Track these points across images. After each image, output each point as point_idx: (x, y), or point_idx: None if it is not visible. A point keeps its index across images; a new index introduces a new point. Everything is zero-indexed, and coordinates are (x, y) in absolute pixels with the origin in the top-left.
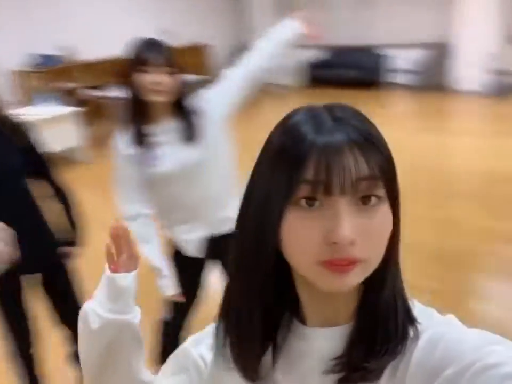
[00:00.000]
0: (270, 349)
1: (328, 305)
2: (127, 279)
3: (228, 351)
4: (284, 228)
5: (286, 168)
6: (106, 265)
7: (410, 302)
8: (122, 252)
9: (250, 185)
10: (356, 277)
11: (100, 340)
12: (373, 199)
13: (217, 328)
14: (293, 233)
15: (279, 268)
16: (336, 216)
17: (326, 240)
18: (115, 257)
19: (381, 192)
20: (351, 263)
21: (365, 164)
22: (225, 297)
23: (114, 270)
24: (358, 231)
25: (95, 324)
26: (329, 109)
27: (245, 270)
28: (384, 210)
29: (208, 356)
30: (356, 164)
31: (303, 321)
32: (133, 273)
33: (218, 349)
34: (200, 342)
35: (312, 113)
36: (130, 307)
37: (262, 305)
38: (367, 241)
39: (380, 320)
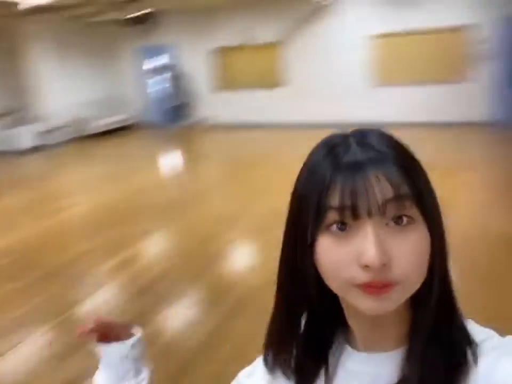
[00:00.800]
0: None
1: (375, 330)
2: (121, 350)
3: (278, 377)
4: (318, 253)
5: (314, 196)
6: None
7: (465, 322)
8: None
9: (286, 221)
10: (394, 299)
11: None
12: (405, 219)
13: (265, 358)
14: (327, 258)
15: (327, 293)
16: (365, 239)
17: (359, 263)
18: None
19: (412, 211)
20: (386, 285)
21: (390, 186)
22: (270, 325)
23: (105, 340)
24: (391, 252)
25: None
26: (354, 134)
27: (286, 298)
28: (419, 229)
29: None
30: (380, 187)
31: (353, 344)
32: (129, 342)
33: (271, 375)
34: (252, 373)
35: (336, 141)
36: (132, 375)
37: (306, 329)
38: (403, 262)
39: (433, 344)
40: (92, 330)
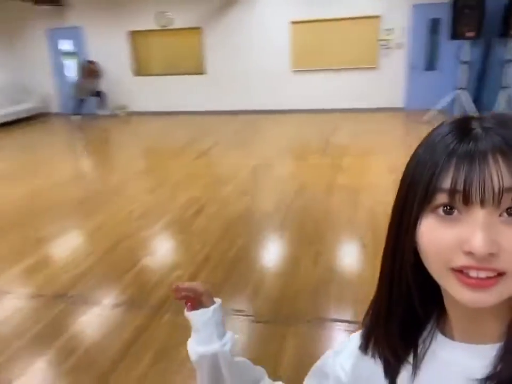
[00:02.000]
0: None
1: (473, 321)
2: (203, 315)
3: (372, 352)
4: (421, 233)
5: (424, 176)
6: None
7: None
8: (189, 296)
9: (394, 201)
10: (494, 292)
11: (201, 370)
12: None
13: (363, 336)
14: (429, 237)
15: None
16: (473, 228)
17: (462, 249)
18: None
19: None
20: (489, 278)
21: (509, 174)
22: (371, 305)
23: (192, 309)
24: (501, 243)
25: (192, 357)
26: (480, 118)
27: (387, 274)
28: None
29: (348, 363)
30: (499, 174)
31: (447, 333)
32: (211, 308)
33: (362, 350)
34: (339, 352)
35: (457, 124)
36: (216, 337)
37: (402, 313)
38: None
39: None
40: (182, 297)
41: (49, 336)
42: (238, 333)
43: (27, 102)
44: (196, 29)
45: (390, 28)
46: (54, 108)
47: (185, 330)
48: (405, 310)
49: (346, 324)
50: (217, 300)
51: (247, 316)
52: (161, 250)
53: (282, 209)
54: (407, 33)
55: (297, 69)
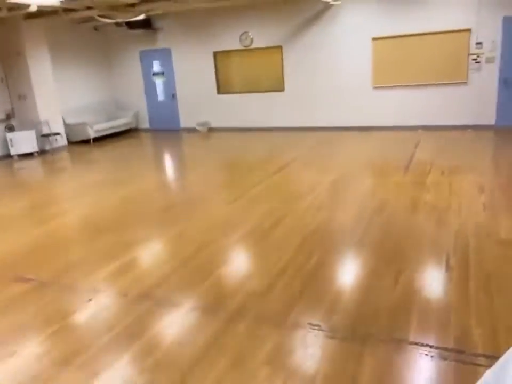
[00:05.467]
0: None
1: None
2: None
3: None
4: None
5: None
6: None
7: None
8: None
9: None
10: None
11: None
12: None
13: None
14: None
15: None
16: None
17: None
18: None
19: None
20: None
21: None
22: None
23: None
24: None
25: None
26: None
27: None
28: None
29: None
30: None
31: None
32: None
33: None
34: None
35: None
36: None
37: None
38: None
39: None
40: None
41: (133, 334)
42: (311, 347)
43: (121, 118)
44: (276, 48)
45: (480, 41)
46: (144, 123)
47: (260, 339)
48: None
49: (428, 348)
50: None
51: (322, 330)
52: (239, 260)
53: (361, 225)
54: (498, 47)
55: (378, 85)
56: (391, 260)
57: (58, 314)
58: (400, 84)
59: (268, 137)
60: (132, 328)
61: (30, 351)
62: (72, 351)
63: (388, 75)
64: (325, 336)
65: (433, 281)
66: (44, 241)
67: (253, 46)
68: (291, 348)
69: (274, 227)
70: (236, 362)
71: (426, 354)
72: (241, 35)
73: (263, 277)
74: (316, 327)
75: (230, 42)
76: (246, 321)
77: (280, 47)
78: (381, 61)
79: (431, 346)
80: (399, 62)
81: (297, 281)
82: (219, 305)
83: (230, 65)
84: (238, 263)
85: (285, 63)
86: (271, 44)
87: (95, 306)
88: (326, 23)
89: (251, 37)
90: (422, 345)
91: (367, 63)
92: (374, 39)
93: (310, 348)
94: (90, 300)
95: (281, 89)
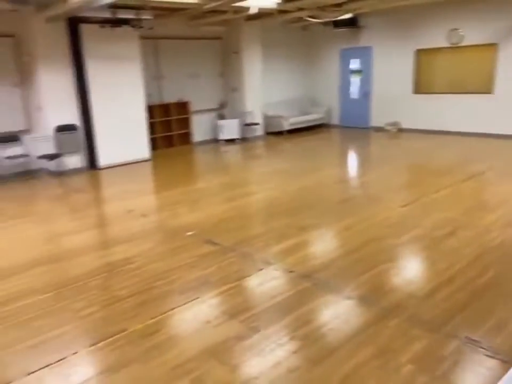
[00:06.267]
0: None
1: None
2: None
3: None
4: None
5: None
6: None
7: None
8: None
9: None
10: None
11: None
12: None
13: None
14: None
15: None
16: None
17: None
18: None
19: None
20: None
21: None
22: None
23: None
24: None
25: None
26: None
27: None
28: None
29: None
30: None
31: None
32: None
33: None
34: None
35: None
36: None
37: None
38: None
39: None
40: None
41: (291, 306)
42: (464, 360)
43: (314, 113)
44: (490, 46)
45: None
46: (335, 119)
47: (409, 339)
48: None
49: None
50: None
51: (481, 348)
52: (403, 260)
53: None
54: None
55: None
56: None
57: (235, 276)
58: None
59: (464, 142)
60: (291, 301)
61: (208, 300)
62: (239, 308)
63: None
64: (483, 354)
65: None
66: (231, 214)
67: (463, 43)
68: (441, 354)
69: (448, 236)
70: (379, 354)
71: None
72: (449, 32)
73: (426, 282)
74: (475, 343)
75: (435, 39)
76: (399, 319)
77: (495, 45)
78: None
79: None
80: None
81: (463, 293)
82: (375, 299)
83: (431, 63)
84: (402, 263)
85: (499, 62)
86: (484, 41)
87: (264, 276)
88: None
89: (461, 33)
90: None
91: None
92: None
93: (461, 360)
94: (261, 269)
95: (489, 91)
